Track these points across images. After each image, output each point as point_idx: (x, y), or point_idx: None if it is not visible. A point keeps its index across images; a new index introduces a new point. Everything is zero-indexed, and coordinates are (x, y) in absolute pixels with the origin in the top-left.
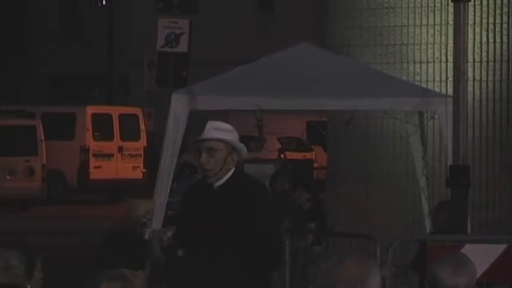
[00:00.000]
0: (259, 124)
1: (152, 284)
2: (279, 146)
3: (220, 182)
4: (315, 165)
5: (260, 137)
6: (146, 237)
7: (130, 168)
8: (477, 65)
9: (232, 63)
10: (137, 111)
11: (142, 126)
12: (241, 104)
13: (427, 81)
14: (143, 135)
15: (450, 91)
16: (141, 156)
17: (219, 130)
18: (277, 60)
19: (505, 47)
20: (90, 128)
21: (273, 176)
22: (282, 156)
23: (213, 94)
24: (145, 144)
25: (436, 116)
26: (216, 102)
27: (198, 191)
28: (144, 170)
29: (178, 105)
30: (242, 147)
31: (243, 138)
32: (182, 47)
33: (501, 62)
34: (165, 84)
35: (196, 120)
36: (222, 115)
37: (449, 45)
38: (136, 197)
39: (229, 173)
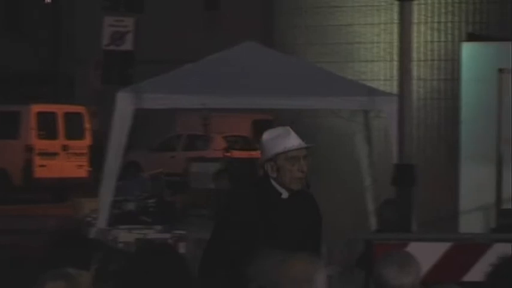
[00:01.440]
0: (206, 123)
1: (99, 283)
2: (225, 144)
3: (289, 192)
4: None
5: (206, 135)
6: (92, 236)
7: (75, 167)
8: (422, 63)
9: (178, 61)
10: (82, 109)
11: (87, 125)
12: (188, 103)
13: (373, 80)
14: (88, 134)
15: (395, 90)
16: (86, 155)
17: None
18: (223, 58)
19: (449, 45)
20: (35, 127)
21: (215, 174)
22: (227, 154)
23: (159, 93)
24: (90, 142)
25: (382, 115)
26: (162, 101)
27: (266, 198)
28: (89, 169)
29: (124, 104)
30: None
31: (189, 137)
32: (127, 45)
33: (446, 60)
34: (111, 82)
35: (141, 119)
36: (168, 114)
37: (394, 44)
38: (82, 195)
39: None
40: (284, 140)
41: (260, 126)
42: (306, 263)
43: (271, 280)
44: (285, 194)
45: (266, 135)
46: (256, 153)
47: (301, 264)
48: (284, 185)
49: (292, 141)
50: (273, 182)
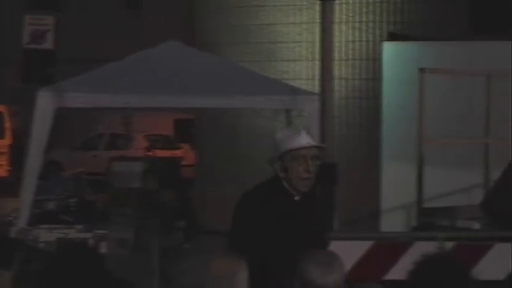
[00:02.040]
0: (127, 122)
1: (20, 283)
2: (147, 143)
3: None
4: (183, 163)
5: (128, 135)
6: (12, 235)
7: None
8: (344, 63)
9: (100, 60)
10: (2, 108)
11: (7, 124)
12: (110, 102)
13: (295, 79)
14: (8, 133)
15: (317, 89)
16: (6, 154)
17: (310, 136)
18: (146, 57)
19: (371, 45)
20: None
21: (143, 173)
22: (150, 154)
23: (81, 91)
24: (10, 142)
25: (304, 114)
26: (84, 100)
27: (278, 199)
28: (9, 168)
29: (45, 103)
30: None
31: (111, 136)
32: (48, 44)
33: (367, 60)
34: (31, 81)
35: (63, 118)
36: (91, 113)
37: (316, 44)
38: (2, 195)
39: None
40: (293, 139)
41: (182, 126)
42: (227, 260)
43: (194, 278)
44: (296, 196)
45: (278, 134)
46: (178, 152)
47: (223, 262)
48: (292, 186)
49: (300, 140)
50: (284, 183)
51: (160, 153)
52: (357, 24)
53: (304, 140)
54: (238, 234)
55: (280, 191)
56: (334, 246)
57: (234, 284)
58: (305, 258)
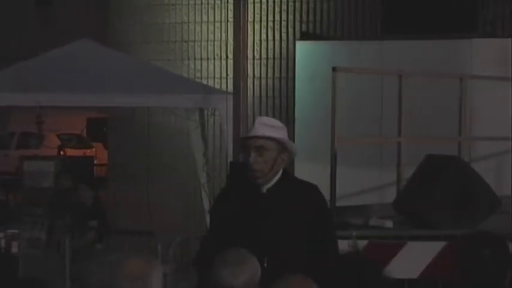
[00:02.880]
0: (39, 121)
1: None
2: (59, 142)
3: (270, 185)
4: (95, 162)
5: (40, 133)
6: None
7: None
8: (257, 62)
9: (11, 59)
10: None
11: None
12: (21, 100)
13: (208, 78)
14: None
15: (231, 88)
16: None
17: (269, 127)
18: (58, 56)
19: (284, 44)
20: None
21: (56, 173)
22: (61, 153)
23: None
24: None
25: (217, 113)
26: None
27: (244, 193)
28: None
29: None
30: (293, 146)
31: (22, 135)
32: None
33: (280, 59)
34: None
35: None
36: (2, 111)
37: (229, 43)
38: None
39: (278, 175)
40: (250, 129)
41: (95, 125)
42: (141, 260)
43: (109, 276)
44: (264, 189)
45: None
46: (90, 152)
47: (137, 262)
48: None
49: (251, 130)
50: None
51: (72, 152)
52: (270, 23)
53: (254, 130)
54: (209, 229)
55: (247, 184)
56: None
57: (148, 285)
58: (215, 258)
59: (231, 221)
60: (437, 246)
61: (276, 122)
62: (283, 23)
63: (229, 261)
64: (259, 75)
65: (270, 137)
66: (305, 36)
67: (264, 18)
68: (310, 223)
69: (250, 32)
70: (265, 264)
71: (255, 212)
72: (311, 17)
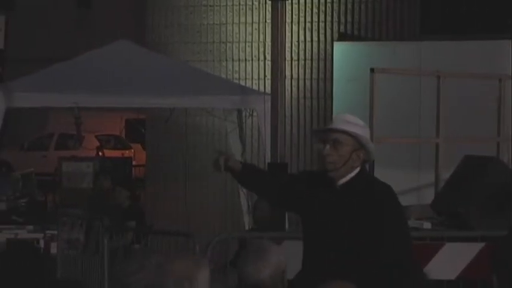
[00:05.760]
0: (77, 122)
1: None
2: (97, 143)
3: (344, 180)
4: (134, 163)
5: (78, 135)
6: None
7: None
8: (295, 63)
9: (50, 60)
10: None
11: None
12: (59, 102)
13: (246, 79)
14: None
15: (268, 89)
16: None
17: (348, 123)
18: (96, 57)
19: (322, 45)
20: None
21: (95, 173)
22: (100, 154)
23: (31, 91)
24: None
25: (255, 114)
26: (34, 100)
27: (321, 182)
28: None
29: None
30: (372, 146)
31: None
32: None
33: (318, 60)
34: None
35: (13, 118)
36: (41, 112)
37: (267, 44)
38: None
39: (354, 172)
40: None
41: (133, 125)
42: (188, 261)
43: (153, 276)
44: (340, 182)
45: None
46: (128, 152)
47: (184, 263)
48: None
49: (329, 124)
50: None
51: (110, 153)
52: (307, 25)
53: (331, 124)
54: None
55: (325, 175)
56: (286, 245)
57: (194, 286)
58: (241, 256)
59: (304, 196)
60: (475, 247)
61: (357, 120)
62: (321, 24)
63: (251, 258)
64: (297, 76)
65: (347, 131)
66: (343, 37)
67: (302, 19)
68: (373, 224)
69: (288, 33)
70: (329, 258)
71: (325, 204)
72: (349, 18)
